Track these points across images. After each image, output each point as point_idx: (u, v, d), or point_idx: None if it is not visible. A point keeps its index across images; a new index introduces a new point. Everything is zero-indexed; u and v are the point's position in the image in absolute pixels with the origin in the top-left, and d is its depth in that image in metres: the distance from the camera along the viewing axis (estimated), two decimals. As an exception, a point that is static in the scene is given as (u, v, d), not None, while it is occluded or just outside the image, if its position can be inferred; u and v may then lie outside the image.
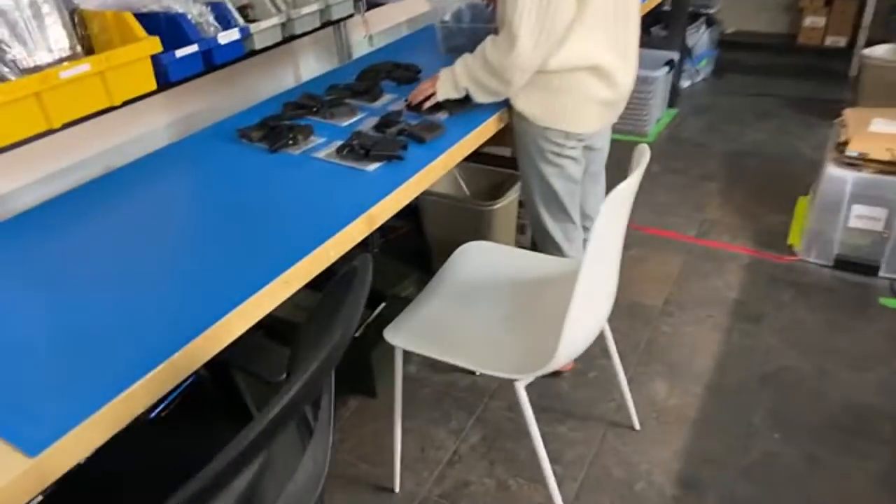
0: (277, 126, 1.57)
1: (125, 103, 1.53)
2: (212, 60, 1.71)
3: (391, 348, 1.46)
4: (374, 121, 1.64)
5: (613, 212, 1.25)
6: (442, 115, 1.66)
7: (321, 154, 1.50)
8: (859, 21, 3.91)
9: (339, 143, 1.53)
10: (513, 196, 2.33)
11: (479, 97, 1.62)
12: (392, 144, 1.46)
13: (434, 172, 1.45)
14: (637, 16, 1.59)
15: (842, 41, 4.11)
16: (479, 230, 2.30)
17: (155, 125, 1.78)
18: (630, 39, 1.59)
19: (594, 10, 1.47)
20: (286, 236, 1.20)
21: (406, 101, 1.72)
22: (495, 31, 1.70)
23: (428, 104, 1.65)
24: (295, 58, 2.14)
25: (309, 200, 1.32)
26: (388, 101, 1.79)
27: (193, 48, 1.63)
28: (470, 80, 1.59)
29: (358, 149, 1.45)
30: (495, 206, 2.25)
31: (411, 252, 2.49)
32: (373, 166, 1.42)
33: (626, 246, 2.31)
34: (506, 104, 1.67)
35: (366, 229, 1.26)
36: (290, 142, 1.52)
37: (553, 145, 1.64)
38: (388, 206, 1.31)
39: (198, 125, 1.78)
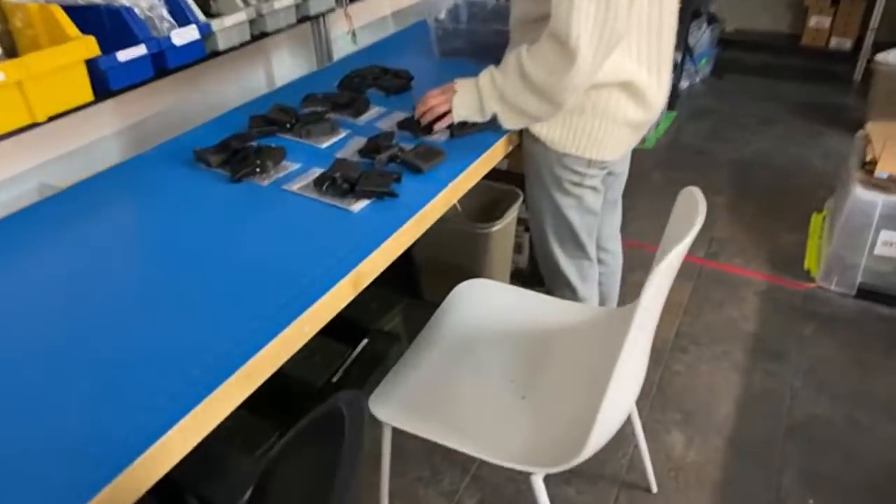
0: (242, 148, 1.30)
1: (52, 118, 1.25)
2: (164, 65, 1.43)
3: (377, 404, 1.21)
4: (359, 142, 1.38)
5: (665, 280, 1.01)
6: (440, 137, 1.40)
7: (295, 186, 1.23)
8: (867, 22, 3.71)
9: (318, 171, 1.27)
10: (512, 215, 2.08)
11: (511, 122, 1.35)
12: (382, 177, 1.20)
13: (434, 212, 1.20)
14: (674, 22, 1.34)
15: (847, 43, 3.92)
16: (475, 254, 2.06)
17: (101, 133, 1.49)
18: (665, 51, 1.34)
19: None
20: (246, 310, 0.93)
21: (413, 116, 1.43)
22: (503, 35, 1.44)
23: (440, 126, 1.39)
24: (266, 59, 1.86)
25: (277, 253, 1.05)
26: (376, 115, 1.52)
27: (141, 50, 1.35)
28: (502, 103, 1.31)
29: (340, 182, 1.18)
30: (493, 229, 2.00)
31: (396, 276, 2.23)
32: (359, 205, 1.16)
33: (629, 268, 2.09)
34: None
35: (351, 292, 1.01)
36: (257, 169, 1.25)
37: (572, 174, 1.40)
38: (378, 259, 1.06)
39: (150, 139, 1.50)
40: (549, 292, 1.66)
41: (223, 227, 1.13)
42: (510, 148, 1.45)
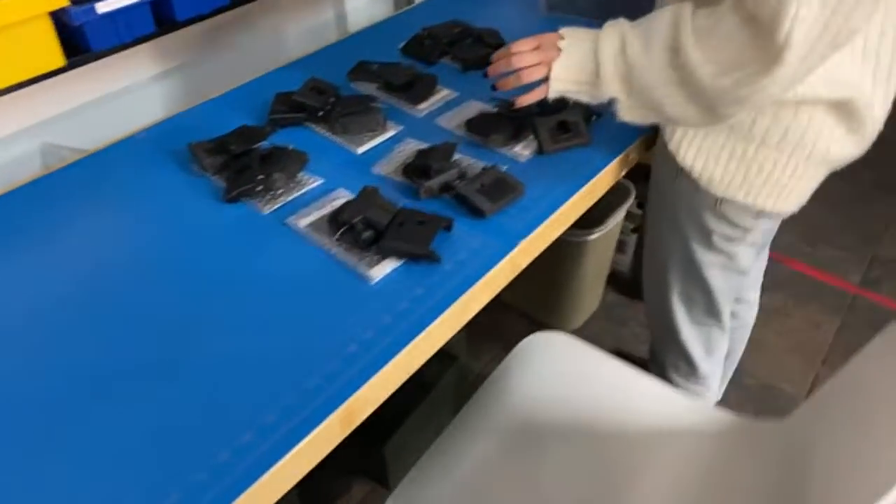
0: (247, 152, 0.95)
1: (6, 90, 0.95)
2: (170, 15, 1.08)
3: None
4: (409, 149, 0.99)
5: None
6: (523, 150, 0.98)
7: (303, 221, 0.87)
8: None
9: (344, 194, 0.90)
10: (618, 218, 1.65)
11: (632, 115, 0.87)
12: (423, 225, 0.82)
13: (494, 284, 0.81)
14: None
15: None
16: (564, 265, 1.65)
17: (83, 99, 1.18)
18: None
19: None
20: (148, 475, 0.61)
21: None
22: None
23: (525, 101, 0.92)
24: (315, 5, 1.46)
25: (243, 351, 0.71)
26: (442, 102, 1.11)
27: (132, -3, 1.00)
28: (628, 84, 0.84)
29: (361, 228, 0.82)
30: (591, 237, 1.58)
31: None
32: (382, 269, 0.80)
33: (765, 286, 1.62)
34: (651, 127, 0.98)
35: (339, 433, 0.66)
36: (259, 188, 0.90)
37: (730, 227, 0.95)
38: (389, 377, 0.70)
39: (142, 113, 1.18)
40: (654, 356, 1.25)
41: (182, 283, 0.80)
42: (624, 171, 1.02)
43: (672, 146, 0.90)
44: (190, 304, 0.77)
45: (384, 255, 0.81)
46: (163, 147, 1.04)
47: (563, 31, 0.88)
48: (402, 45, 1.27)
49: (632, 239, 1.87)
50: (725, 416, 1.05)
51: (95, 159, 1.03)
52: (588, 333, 1.81)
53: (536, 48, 0.88)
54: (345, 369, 0.68)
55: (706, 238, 0.98)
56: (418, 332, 0.72)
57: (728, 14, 0.72)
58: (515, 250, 0.82)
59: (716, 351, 1.16)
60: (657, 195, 1.04)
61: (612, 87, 0.85)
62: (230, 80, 1.22)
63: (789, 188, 0.88)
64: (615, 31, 0.84)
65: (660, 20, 0.80)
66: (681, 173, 0.93)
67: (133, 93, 1.22)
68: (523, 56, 0.89)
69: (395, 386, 0.71)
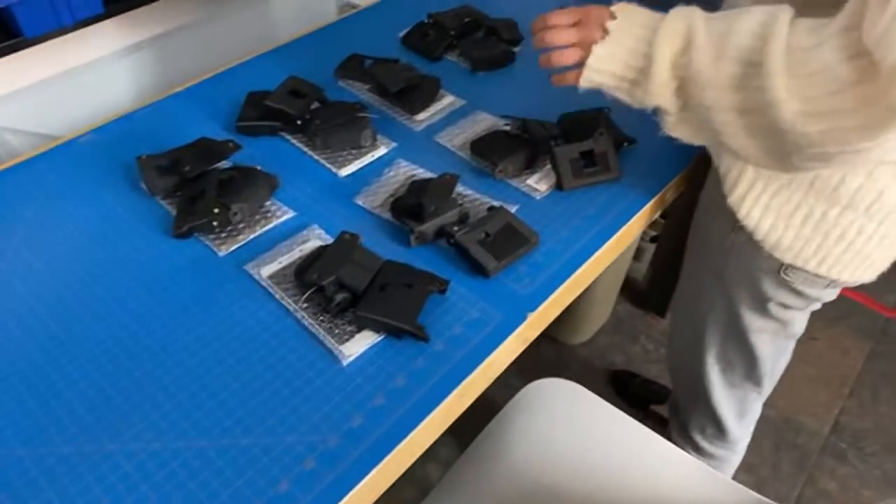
0: (204, 174, 0.78)
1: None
2: (122, -7, 0.90)
3: None
4: (400, 175, 0.82)
5: None
6: (540, 185, 0.82)
7: (265, 269, 0.71)
8: None
9: (319, 235, 0.74)
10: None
11: (681, 132, 0.69)
12: (412, 292, 0.66)
13: (495, 367, 0.66)
14: None
15: None
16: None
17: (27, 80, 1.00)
18: None
19: None
20: None
21: (501, 132, 0.84)
22: None
23: (557, 83, 0.73)
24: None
25: (182, 437, 0.57)
26: (445, 112, 0.93)
27: (74, -28, 0.83)
28: (682, 102, 0.66)
29: (332, 292, 0.66)
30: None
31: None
32: (357, 345, 0.64)
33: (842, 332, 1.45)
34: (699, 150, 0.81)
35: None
36: (215, 223, 0.74)
37: (792, 296, 0.79)
38: (372, 486, 0.55)
39: (88, 113, 1.01)
40: (676, 411, 1.10)
41: (111, 340, 0.65)
42: (657, 213, 0.85)
43: (733, 200, 0.73)
44: (121, 363, 0.62)
45: (360, 326, 0.65)
46: (109, 156, 0.87)
47: (617, 7, 0.68)
48: (403, 33, 1.08)
49: (650, 247, 1.70)
50: (750, 499, 0.91)
51: (29, 167, 0.86)
52: (596, 347, 1.67)
53: (577, 23, 0.69)
54: (289, 502, 0.54)
55: (760, 305, 0.82)
56: (394, 444, 0.57)
57: (834, 39, 0.54)
58: (524, 325, 0.67)
59: (749, 413, 1.01)
60: (700, 245, 0.87)
61: (660, 95, 0.66)
62: (204, 62, 1.04)
63: (872, 258, 0.72)
64: (682, 24, 0.63)
65: (744, 22, 0.59)
66: (738, 230, 0.76)
67: (94, 70, 1.04)
68: (559, 32, 0.70)
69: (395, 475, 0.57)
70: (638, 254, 1.73)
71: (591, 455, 0.94)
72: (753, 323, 0.84)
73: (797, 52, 0.56)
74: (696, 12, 0.64)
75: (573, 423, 0.97)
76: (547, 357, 1.62)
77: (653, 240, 1.67)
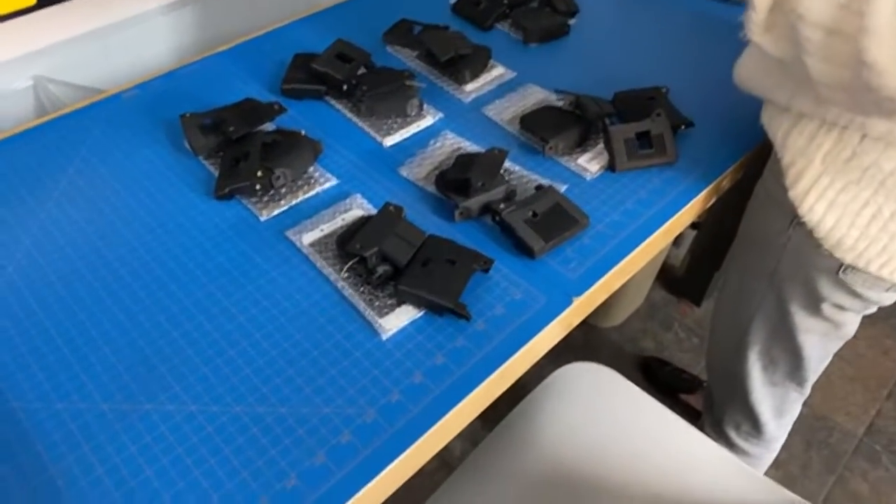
0: (247, 136, 0.77)
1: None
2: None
3: None
4: (447, 148, 0.80)
5: None
6: (592, 165, 0.79)
7: (307, 236, 0.70)
8: None
9: (363, 205, 0.73)
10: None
11: (765, 39, 0.62)
12: (455, 268, 0.64)
13: (536, 351, 0.64)
14: None
15: None
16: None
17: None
18: None
19: None
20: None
21: (557, 106, 0.83)
22: None
23: None
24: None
25: (218, 403, 0.56)
26: (494, 84, 0.90)
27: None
28: None
29: (375, 263, 0.64)
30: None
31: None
32: (397, 320, 0.63)
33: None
34: (762, 139, 0.77)
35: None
36: (258, 187, 0.72)
37: (849, 298, 0.75)
38: (385, 484, 0.55)
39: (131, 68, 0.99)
40: (711, 407, 1.07)
41: (151, 299, 0.64)
42: (712, 201, 0.81)
43: (795, 193, 0.69)
44: (158, 323, 0.62)
45: (401, 300, 0.64)
46: (152, 112, 0.86)
47: None
48: (453, 2, 1.05)
49: (691, 233, 1.66)
50: (783, 498, 0.89)
51: (73, 119, 0.86)
52: (628, 332, 1.64)
53: None
54: (325, 475, 0.53)
55: (813, 305, 0.78)
56: (431, 424, 0.56)
57: None
58: (569, 310, 0.65)
59: (788, 413, 0.98)
60: (752, 239, 0.83)
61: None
62: (248, 23, 1.02)
63: None
64: None
65: None
66: (797, 226, 0.72)
67: (138, 25, 1.03)
68: None
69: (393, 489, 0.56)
70: (677, 239, 1.69)
71: (621, 443, 0.92)
72: (803, 322, 0.81)
73: None
74: None
75: (605, 410, 0.95)
76: (577, 339, 1.60)
77: (694, 226, 1.62)
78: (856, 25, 0.52)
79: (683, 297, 1.71)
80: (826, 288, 0.75)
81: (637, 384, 0.99)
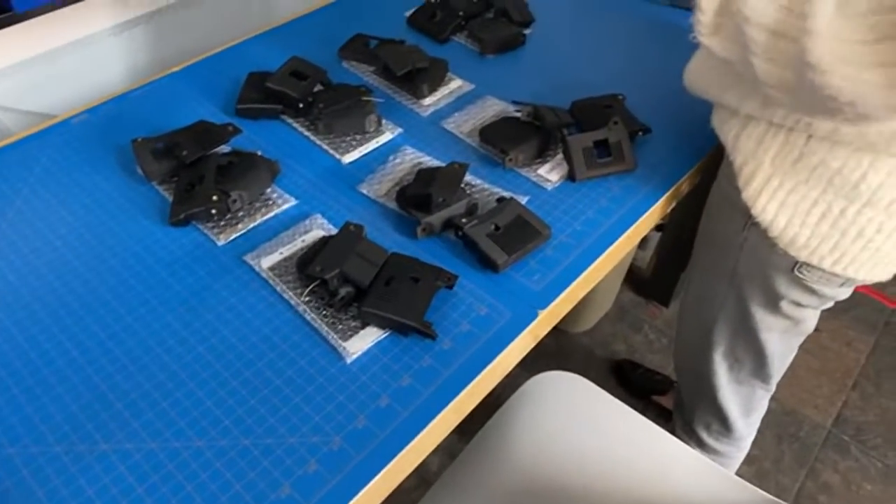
0: (202, 159, 0.75)
1: None
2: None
3: None
4: (406, 163, 0.79)
5: None
6: (552, 175, 0.79)
7: (265, 260, 0.68)
8: None
9: (322, 224, 0.71)
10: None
11: (711, 40, 0.63)
12: (419, 286, 0.63)
13: (503, 366, 0.63)
14: None
15: None
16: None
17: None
18: None
19: None
20: None
21: (516, 117, 0.83)
22: None
23: None
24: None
25: (180, 439, 0.55)
26: (452, 97, 0.90)
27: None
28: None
29: (336, 285, 0.63)
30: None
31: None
32: (361, 342, 0.61)
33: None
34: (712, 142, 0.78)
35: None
36: (213, 211, 0.71)
37: (806, 294, 0.77)
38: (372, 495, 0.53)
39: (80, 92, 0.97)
40: (681, 408, 1.08)
41: (106, 331, 0.62)
42: (672, 205, 0.82)
43: (748, 195, 0.70)
44: (115, 358, 0.60)
45: (364, 321, 0.63)
46: (103, 137, 0.84)
47: None
48: (410, 13, 1.04)
49: (655, 235, 1.68)
50: (755, 496, 0.90)
51: (21, 147, 0.83)
52: (599, 336, 1.65)
53: None
54: (297, 500, 0.51)
55: (772, 303, 0.79)
56: (399, 448, 0.54)
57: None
58: (534, 323, 0.64)
59: (756, 411, 0.99)
60: (710, 242, 0.84)
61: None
62: (201, 42, 1.00)
63: (890, 256, 0.69)
64: None
65: None
66: (752, 227, 0.73)
67: (87, 47, 1.00)
68: None
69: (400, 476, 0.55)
70: (642, 242, 1.71)
71: (595, 450, 0.92)
72: (764, 321, 0.82)
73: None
74: None
75: (577, 418, 0.95)
76: (549, 346, 1.60)
77: (658, 228, 1.64)
78: (799, 27, 0.53)
79: (651, 298, 1.72)
80: (783, 286, 0.76)
81: (610, 388, 1.00)
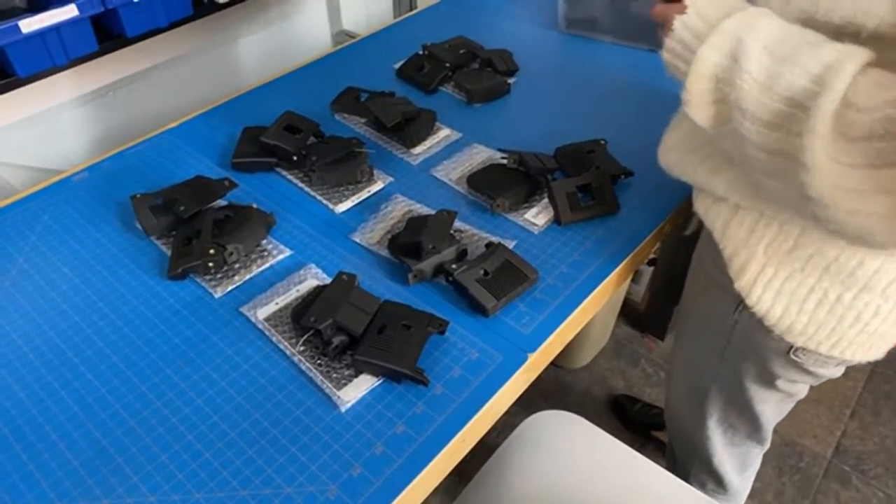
0: (199, 214, 0.78)
1: None
2: (118, 29, 0.90)
3: None
4: (398, 210, 0.82)
5: None
6: (539, 219, 0.81)
7: (261, 310, 0.70)
8: None
9: (316, 274, 0.73)
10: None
11: (703, 117, 0.59)
12: (411, 333, 0.65)
13: (496, 409, 0.65)
14: None
15: None
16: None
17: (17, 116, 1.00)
18: None
19: None
20: None
21: (504, 164, 0.85)
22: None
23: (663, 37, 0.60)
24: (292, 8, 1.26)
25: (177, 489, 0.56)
26: (441, 146, 0.93)
27: (69, 12, 0.82)
28: (718, 94, 0.56)
29: (330, 334, 0.65)
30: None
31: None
32: (355, 390, 0.63)
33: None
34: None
35: None
36: (210, 264, 0.73)
37: (800, 373, 0.76)
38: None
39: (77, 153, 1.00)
40: (675, 465, 1.07)
41: (107, 384, 0.64)
42: (656, 246, 0.84)
43: (741, 285, 0.69)
44: (115, 412, 0.61)
45: (358, 369, 0.64)
46: (102, 194, 0.86)
47: None
48: (398, 64, 1.08)
49: (648, 269, 1.70)
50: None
51: (23, 206, 0.86)
52: (596, 371, 1.66)
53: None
54: (297, 550, 0.52)
55: (767, 380, 0.79)
56: (394, 495, 0.55)
57: (890, 108, 0.46)
58: (525, 366, 0.66)
59: (749, 467, 0.99)
60: (696, 320, 0.84)
61: (700, 71, 0.56)
62: (195, 100, 1.04)
63: (886, 337, 0.68)
64: (742, 24, 0.54)
65: (808, 59, 0.51)
66: (743, 310, 0.73)
67: (86, 105, 1.04)
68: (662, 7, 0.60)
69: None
70: (636, 276, 1.73)
71: (593, 490, 0.92)
72: (759, 395, 0.82)
73: (850, 111, 0.48)
74: (765, 15, 0.55)
75: (575, 458, 0.96)
76: (546, 382, 1.61)
77: (650, 262, 1.66)
78: (798, 144, 0.51)
79: (647, 331, 1.74)
80: (778, 367, 0.75)
81: (608, 423, 1.00)
